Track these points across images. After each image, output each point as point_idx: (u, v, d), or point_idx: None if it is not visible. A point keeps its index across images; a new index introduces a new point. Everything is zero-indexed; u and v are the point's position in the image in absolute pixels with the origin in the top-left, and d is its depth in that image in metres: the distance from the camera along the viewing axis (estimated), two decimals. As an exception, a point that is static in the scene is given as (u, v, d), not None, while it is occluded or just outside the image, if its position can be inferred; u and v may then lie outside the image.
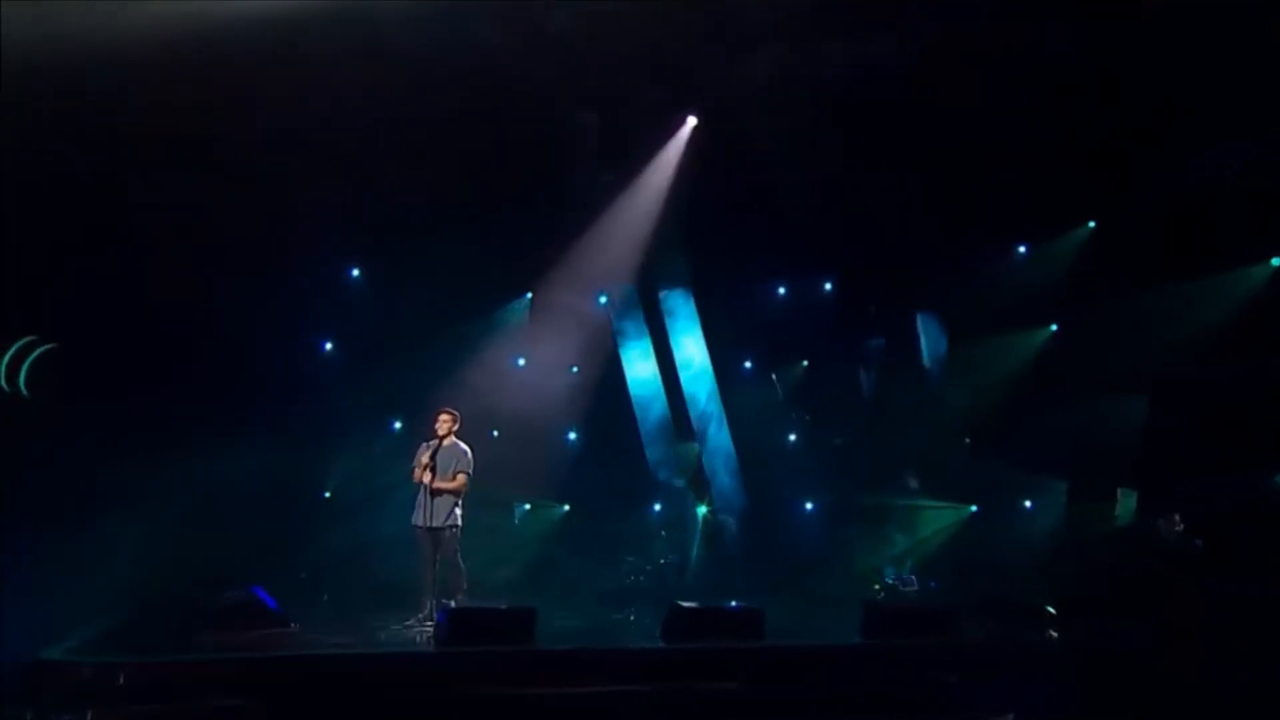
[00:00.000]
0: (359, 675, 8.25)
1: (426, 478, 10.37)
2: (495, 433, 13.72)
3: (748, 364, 15.54)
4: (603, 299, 15.13)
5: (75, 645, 8.49)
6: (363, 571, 12.69)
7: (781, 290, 15.67)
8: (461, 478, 10.51)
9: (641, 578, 13.72)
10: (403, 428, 13.65)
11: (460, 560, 10.51)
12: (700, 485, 15.01)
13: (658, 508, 14.72)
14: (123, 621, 9.69)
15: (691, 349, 15.17)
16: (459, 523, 10.49)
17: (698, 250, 14.55)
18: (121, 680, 7.60)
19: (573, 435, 14.70)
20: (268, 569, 11.92)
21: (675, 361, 15.05)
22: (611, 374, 14.91)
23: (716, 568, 14.27)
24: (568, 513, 14.34)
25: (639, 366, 15.02)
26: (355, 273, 14.06)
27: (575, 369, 14.61)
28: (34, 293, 11.05)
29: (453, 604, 10.18)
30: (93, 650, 8.43)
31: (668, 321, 15.09)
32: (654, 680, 9.00)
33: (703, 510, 15.00)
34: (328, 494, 13.71)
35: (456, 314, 13.94)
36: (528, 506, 14.66)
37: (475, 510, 13.22)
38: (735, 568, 14.22)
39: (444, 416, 10.56)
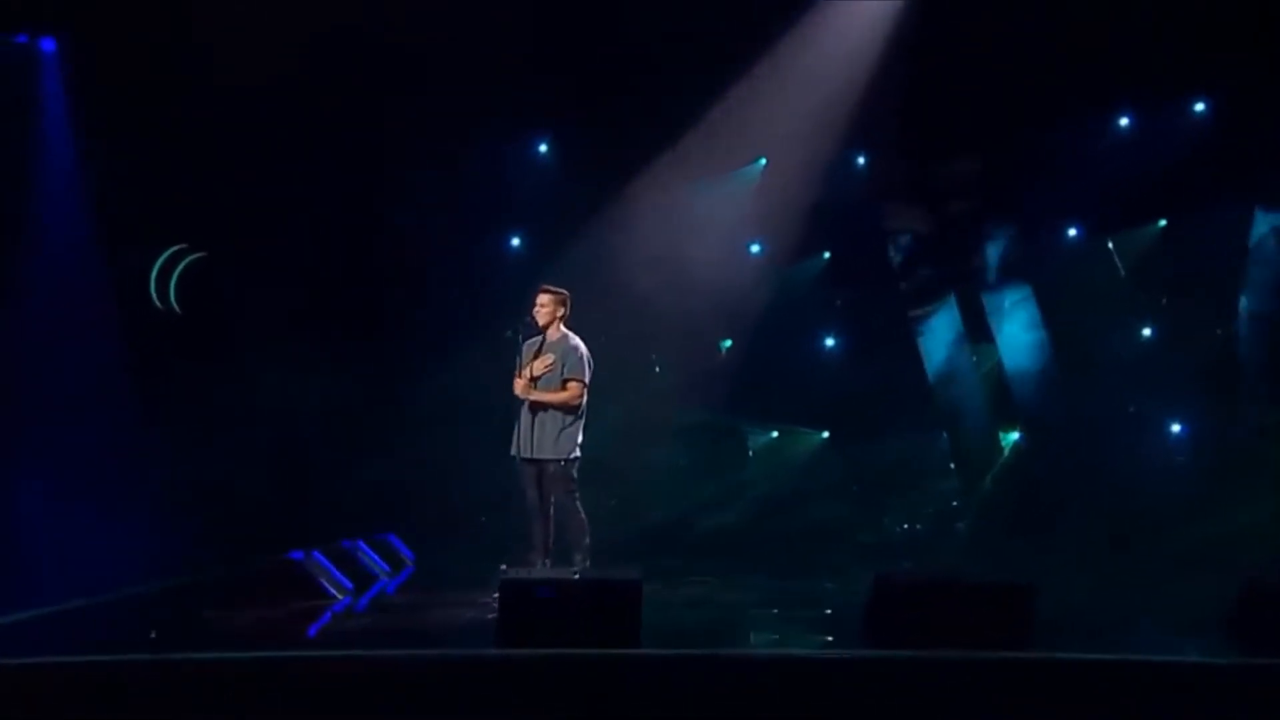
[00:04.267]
0: (321, 691, 5.00)
1: (518, 386, 6.96)
2: (727, 342, 11.04)
3: (1072, 230, 10.82)
4: (860, 159, 11.11)
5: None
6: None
7: (1124, 121, 10.60)
8: (574, 387, 6.96)
9: (919, 526, 10.50)
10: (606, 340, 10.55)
11: (579, 506, 7.01)
12: (1004, 402, 10.80)
13: (945, 434, 10.98)
14: (166, 583, 7.42)
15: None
16: (575, 453, 6.97)
17: (989, 70, 9.85)
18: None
19: (830, 341, 11.38)
20: (440, 510, 9.57)
21: (962, 233, 11.04)
22: (875, 259, 11.15)
23: (1021, 516, 10.09)
24: (825, 441, 11.10)
25: (912, 244, 11.34)
26: (543, 148, 11.16)
27: (827, 255, 11.19)
28: (182, 193, 9.69)
29: (575, 570, 6.73)
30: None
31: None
32: (820, 711, 5.08)
33: (1011, 437, 10.86)
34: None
35: (669, 190, 10.65)
36: (774, 434, 11.41)
37: (695, 439, 10.30)
38: (1051, 516, 9.76)
39: (542, 299, 7.06)
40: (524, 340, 7.07)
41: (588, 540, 7.03)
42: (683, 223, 10.78)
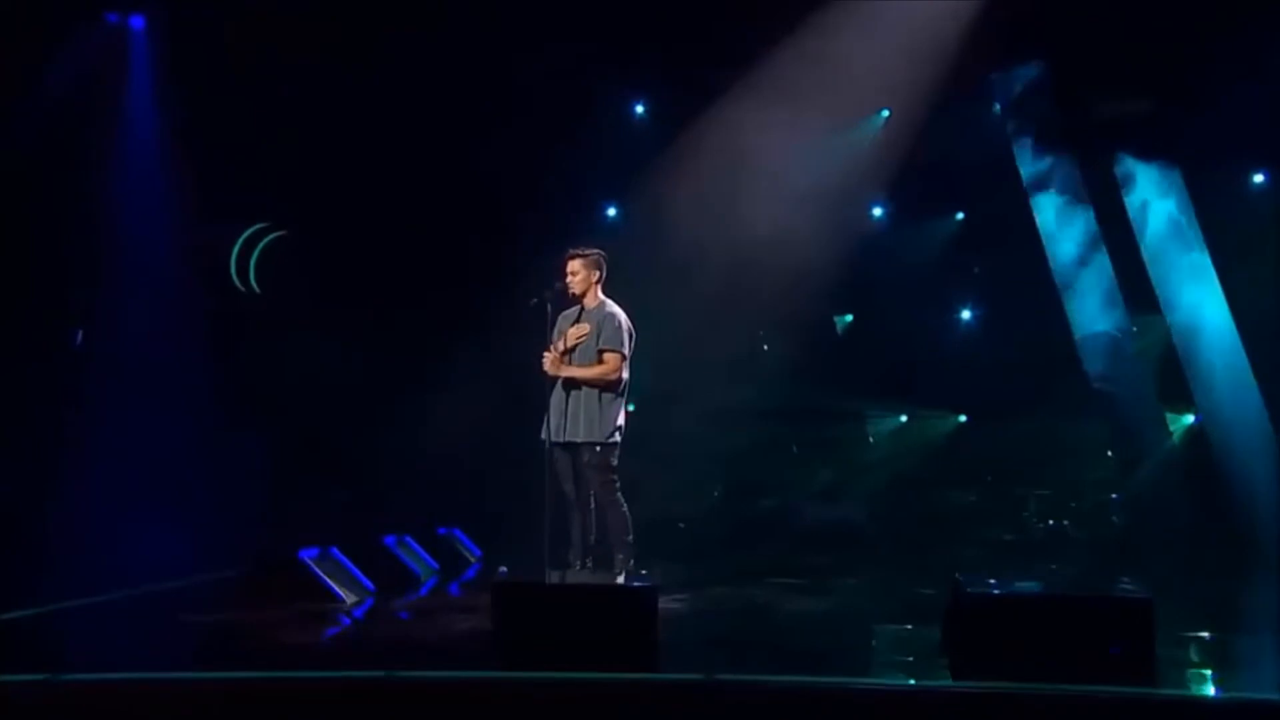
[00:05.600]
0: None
1: (547, 361, 6.08)
2: (847, 318, 10.50)
3: (1258, 176, 9.31)
4: (996, 107, 9.98)
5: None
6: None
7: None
8: (611, 359, 6.02)
9: (1065, 523, 9.37)
10: (706, 317, 9.78)
11: (620, 498, 6.08)
12: (1173, 380, 9.42)
13: (1101, 417, 9.75)
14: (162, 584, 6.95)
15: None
16: (614, 436, 6.05)
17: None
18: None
19: (965, 314, 10.43)
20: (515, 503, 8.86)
21: (1120, 187, 9.64)
22: (1015, 219, 9.88)
23: (1194, 513, 8.76)
24: (962, 426, 10.19)
25: (1060, 203, 9.88)
26: (640, 109, 10.46)
27: (960, 215, 10.23)
28: (266, 171, 9.25)
29: (619, 573, 5.87)
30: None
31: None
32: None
33: (1184, 421, 9.50)
34: (631, 406, 10.13)
35: (779, 148, 9.49)
36: (903, 418, 10.50)
37: (808, 424, 9.64)
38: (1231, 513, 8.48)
39: (572, 265, 6.14)
40: (554, 311, 6.16)
41: (630, 537, 6.09)
42: (795, 184, 9.75)
